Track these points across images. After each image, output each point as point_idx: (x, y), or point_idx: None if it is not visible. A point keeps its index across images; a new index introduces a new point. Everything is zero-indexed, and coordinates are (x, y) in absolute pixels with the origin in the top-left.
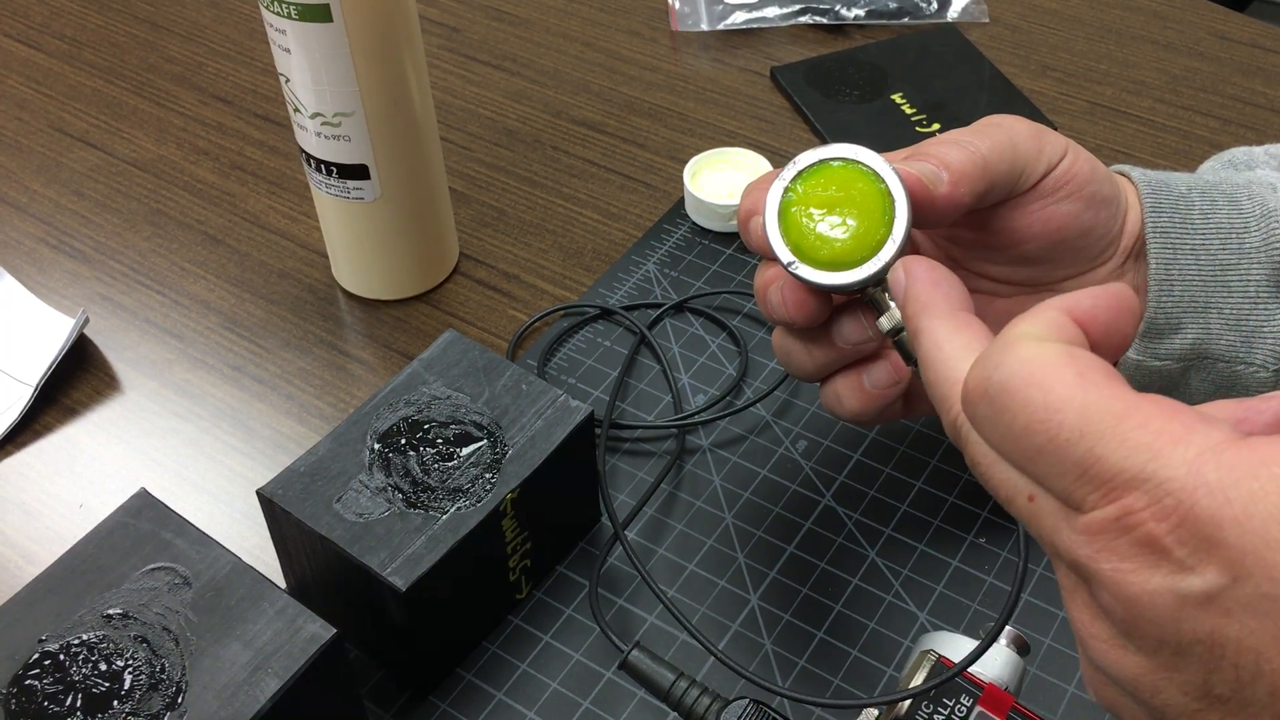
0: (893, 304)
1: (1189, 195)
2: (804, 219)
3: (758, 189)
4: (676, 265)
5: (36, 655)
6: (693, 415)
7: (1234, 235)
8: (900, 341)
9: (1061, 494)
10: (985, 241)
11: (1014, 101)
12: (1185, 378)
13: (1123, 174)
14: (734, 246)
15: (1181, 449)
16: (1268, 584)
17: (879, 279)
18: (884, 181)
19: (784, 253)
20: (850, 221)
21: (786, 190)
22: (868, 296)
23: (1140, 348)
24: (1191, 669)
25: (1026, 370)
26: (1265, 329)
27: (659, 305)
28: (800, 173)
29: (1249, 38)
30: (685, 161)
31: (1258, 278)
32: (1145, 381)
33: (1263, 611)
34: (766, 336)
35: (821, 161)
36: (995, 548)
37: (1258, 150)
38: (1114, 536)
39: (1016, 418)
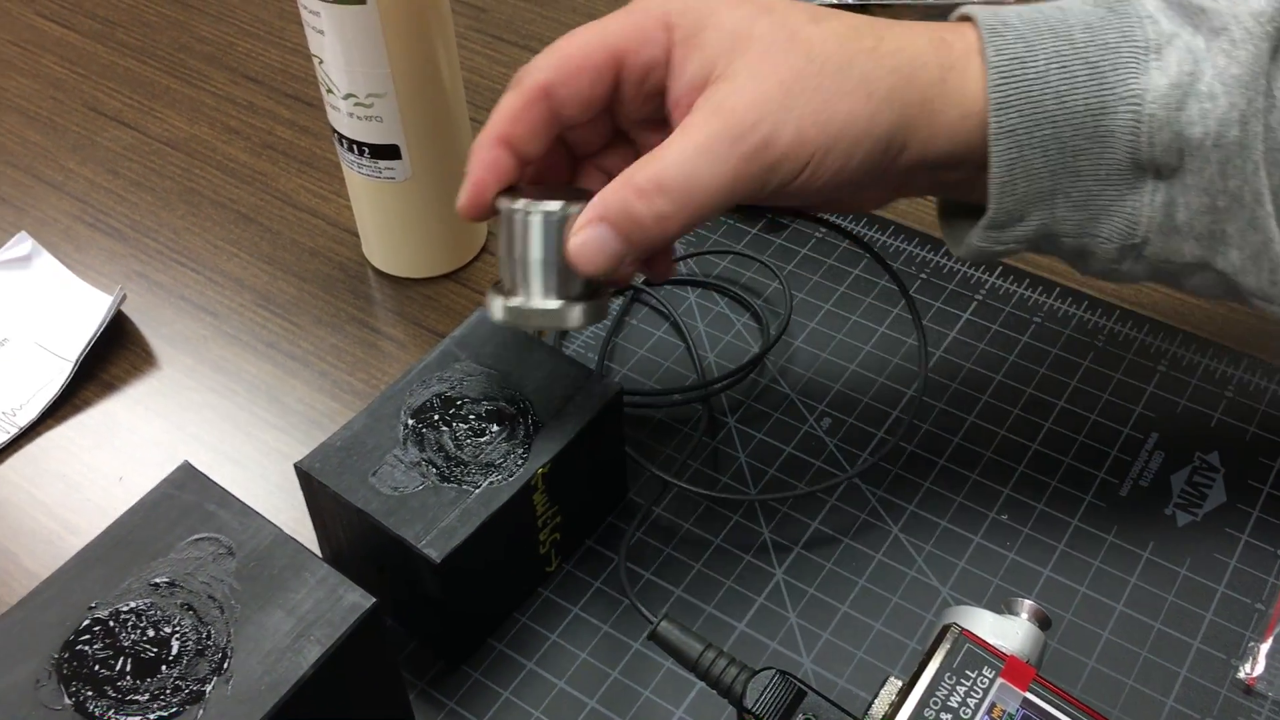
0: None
1: (1046, 72)
2: None
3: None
4: (702, 244)
5: (87, 622)
6: (716, 383)
7: (1090, 118)
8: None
9: None
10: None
11: None
12: (1033, 249)
13: (965, 17)
14: (760, 226)
15: None
16: None
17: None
18: None
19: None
20: None
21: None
22: None
23: (983, 235)
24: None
25: None
26: (1113, 208)
27: (685, 283)
28: None
29: None
30: None
31: (1111, 161)
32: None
33: None
34: (797, 319)
35: None
36: (1018, 524)
37: None
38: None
39: None
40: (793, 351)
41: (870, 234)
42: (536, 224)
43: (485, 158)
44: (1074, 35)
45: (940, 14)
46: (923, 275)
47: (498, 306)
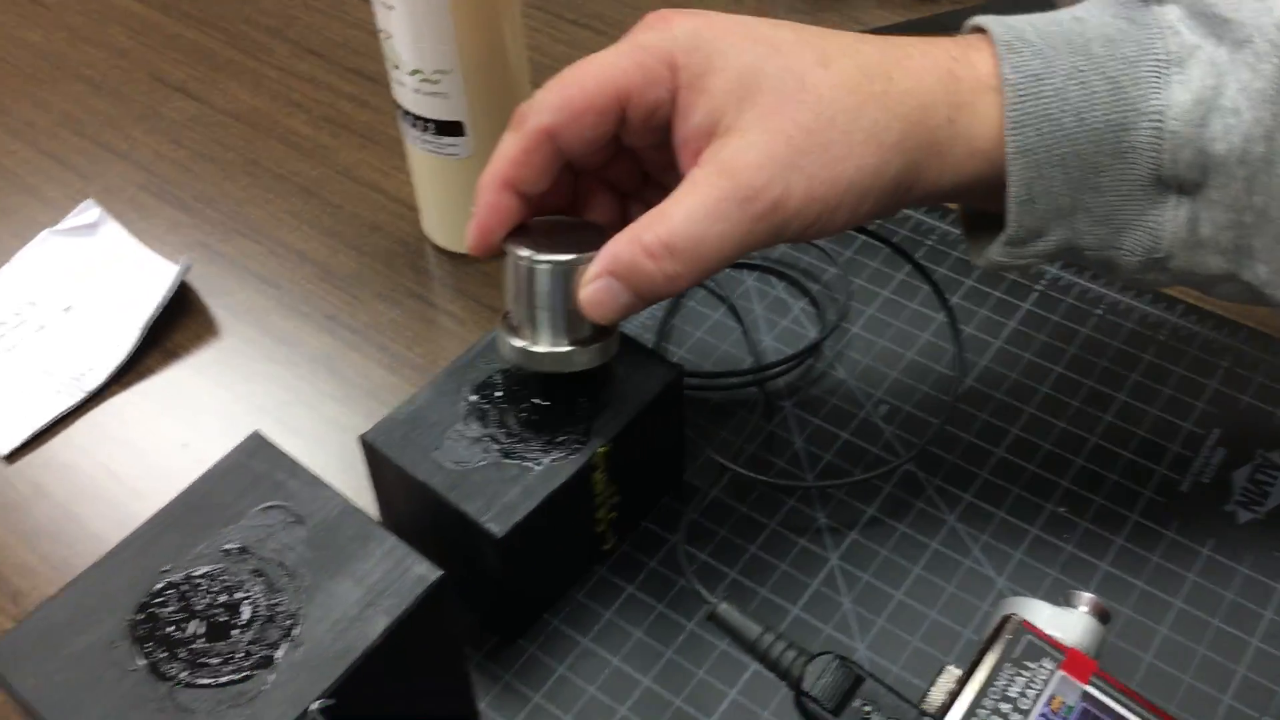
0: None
1: (1064, 89)
2: None
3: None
4: None
5: (160, 585)
6: (773, 367)
7: (1111, 134)
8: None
9: None
10: None
11: None
12: (1055, 261)
13: (979, 27)
14: None
15: None
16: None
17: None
18: None
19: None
20: None
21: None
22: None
23: (1002, 250)
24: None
25: None
26: (1135, 223)
27: (741, 266)
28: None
29: None
30: None
31: (1133, 177)
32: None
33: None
34: (855, 305)
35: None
36: (1076, 517)
37: None
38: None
39: None
40: (850, 338)
41: (930, 221)
42: (544, 275)
43: (490, 201)
44: (1092, 49)
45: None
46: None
47: (506, 347)
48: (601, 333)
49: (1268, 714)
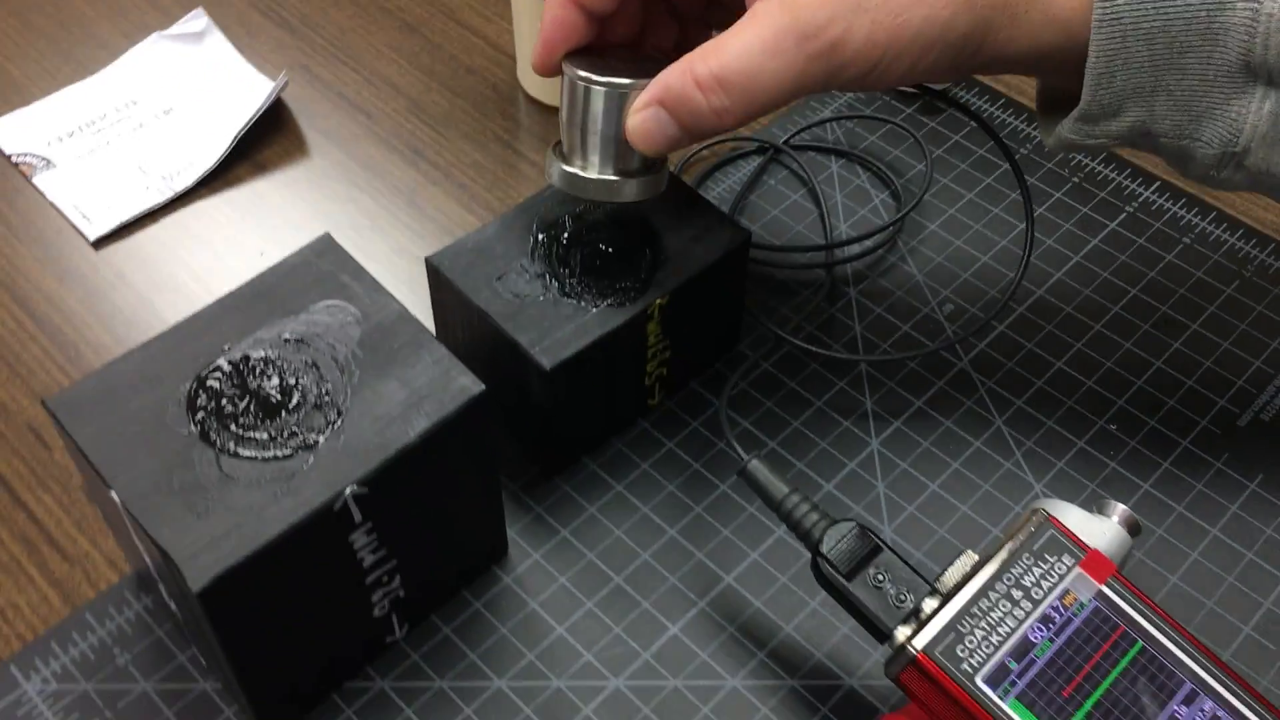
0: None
1: None
2: None
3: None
4: (854, 113)
5: (220, 361)
6: (842, 245)
7: (1205, 12)
8: None
9: None
10: None
11: None
12: (1129, 145)
13: None
14: (915, 106)
15: None
16: None
17: None
18: None
19: None
20: None
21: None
22: None
23: (1073, 126)
24: None
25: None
26: (1216, 111)
27: (829, 151)
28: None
29: None
30: None
31: (1220, 61)
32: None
33: None
34: (936, 203)
35: None
36: (1125, 436)
37: None
38: None
39: None
40: (927, 234)
41: (1027, 128)
42: (598, 97)
43: (555, 16)
44: None
45: None
46: (1075, 179)
47: (555, 171)
48: (649, 167)
49: None
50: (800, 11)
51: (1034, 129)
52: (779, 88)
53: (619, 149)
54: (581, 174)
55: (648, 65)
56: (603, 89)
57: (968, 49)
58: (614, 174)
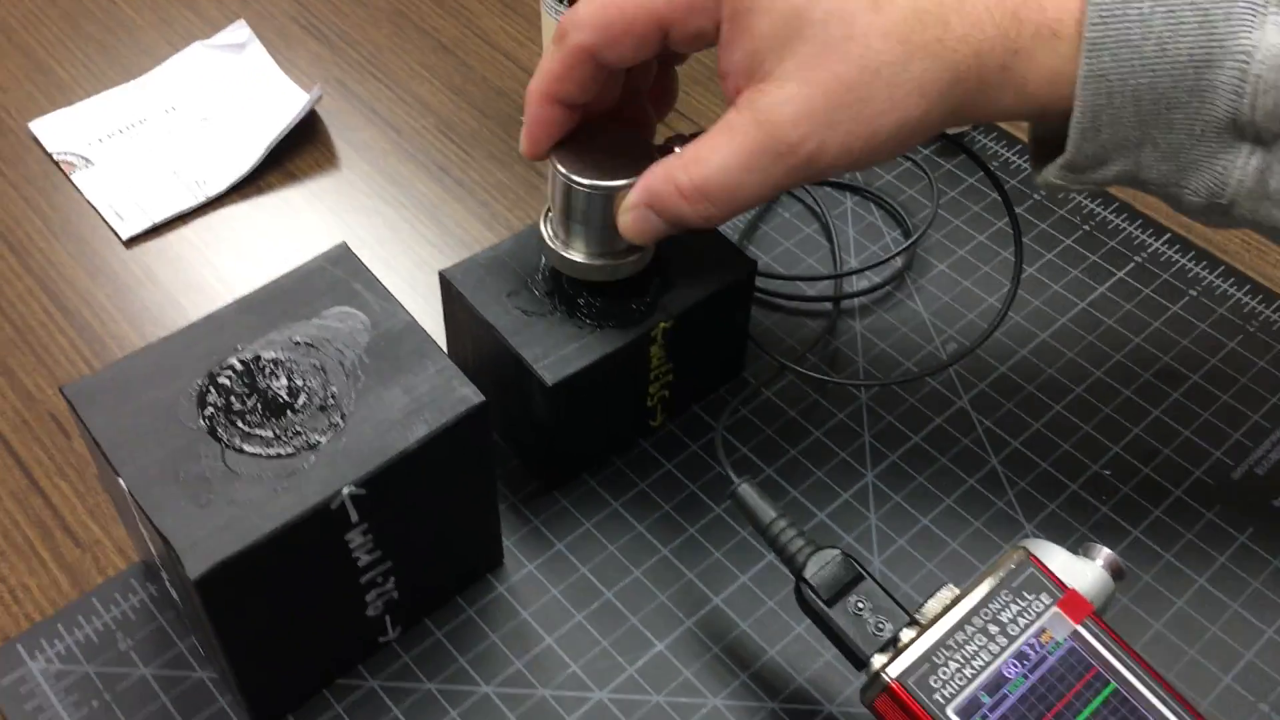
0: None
1: (1150, 16)
2: None
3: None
4: None
5: (231, 360)
6: (849, 275)
7: (1193, 70)
8: None
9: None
10: None
11: None
12: (1117, 186)
13: None
14: (933, 148)
15: None
16: None
17: None
18: None
19: None
20: None
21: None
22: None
23: (1059, 173)
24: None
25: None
26: (1203, 164)
27: (844, 187)
28: None
29: None
30: None
31: (1208, 117)
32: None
33: None
34: (946, 242)
35: None
36: (1119, 482)
37: None
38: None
39: None
40: (935, 274)
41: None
42: (587, 198)
43: (535, 114)
44: None
45: None
46: (1086, 227)
47: (552, 255)
48: (638, 246)
49: (1266, 701)
50: (774, 130)
51: None
52: (760, 194)
53: (610, 235)
54: (574, 259)
55: (634, 152)
56: (587, 191)
57: (946, 124)
58: (607, 258)
